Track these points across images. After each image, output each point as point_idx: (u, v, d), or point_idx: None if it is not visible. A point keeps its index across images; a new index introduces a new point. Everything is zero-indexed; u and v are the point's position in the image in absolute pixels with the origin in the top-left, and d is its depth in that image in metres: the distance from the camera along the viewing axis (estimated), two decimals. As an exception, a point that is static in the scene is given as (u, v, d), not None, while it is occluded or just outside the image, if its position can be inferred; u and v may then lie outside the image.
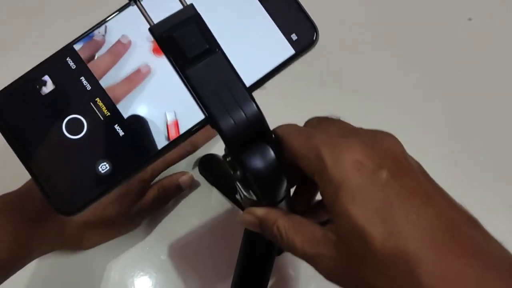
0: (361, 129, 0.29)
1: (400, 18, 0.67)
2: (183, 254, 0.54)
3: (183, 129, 0.29)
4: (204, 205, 0.56)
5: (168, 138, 0.29)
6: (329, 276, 0.27)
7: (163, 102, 0.29)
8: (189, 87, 0.28)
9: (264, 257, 0.38)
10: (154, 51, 0.29)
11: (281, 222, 0.29)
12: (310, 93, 0.61)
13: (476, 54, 0.64)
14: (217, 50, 0.28)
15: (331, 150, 0.26)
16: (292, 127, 0.30)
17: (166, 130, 0.29)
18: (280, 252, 0.40)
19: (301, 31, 0.30)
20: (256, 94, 0.29)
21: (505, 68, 0.63)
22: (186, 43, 0.28)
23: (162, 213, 0.55)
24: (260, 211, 0.31)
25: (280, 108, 0.31)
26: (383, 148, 0.26)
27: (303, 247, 0.27)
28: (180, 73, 0.28)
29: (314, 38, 0.30)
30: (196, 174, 0.56)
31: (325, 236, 0.27)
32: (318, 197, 0.34)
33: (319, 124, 0.30)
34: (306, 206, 0.35)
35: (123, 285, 0.52)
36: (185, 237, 0.54)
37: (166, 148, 0.29)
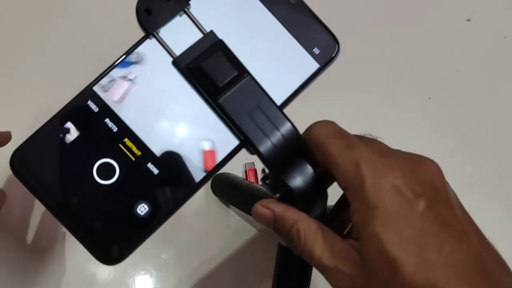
0: (399, 151, 0.28)
1: (399, 19, 0.67)
2: (184, 254, 0.54)
3: (219, 158, 0.28)
4: (204, 205, 0.56)
5: (205, 170, 0.28)
6: None
7: (194, 134, 0.28)
8: (222, 115, 0.27)
9: (301, 271, 0.38)
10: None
11: (302, 224, 0.27)
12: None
13: (474, 54, 0.65)
14: (245, 74, 0.27)
15: (372, 169, 0.25)
16: (330, 127, 0.28)
17: (201, 161, 0.28)
18: None
19: (322, 44, 0.29)
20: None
21: (504, 68, 0.65)
22: (215, 72, 0.27)
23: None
24: (278, 207, 0.28)
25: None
26: (423, 176, 0.26)
27: (321, 257, 0.26)
28: (212, 102, 0.27)
29: (336, 49, 0.30)
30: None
31: (347, 252, 0.26)
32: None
33: None
34: None
35: (124, 285, 0.53)
36: (186, 236, 0.54)
37: (204, 180, 0.28)
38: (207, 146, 0.28)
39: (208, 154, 0.28)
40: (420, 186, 0.25)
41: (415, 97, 0.63)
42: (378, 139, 0.30)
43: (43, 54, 0.63)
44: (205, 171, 0.28)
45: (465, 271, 0.24)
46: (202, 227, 0.55)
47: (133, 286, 0.53)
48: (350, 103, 0.62)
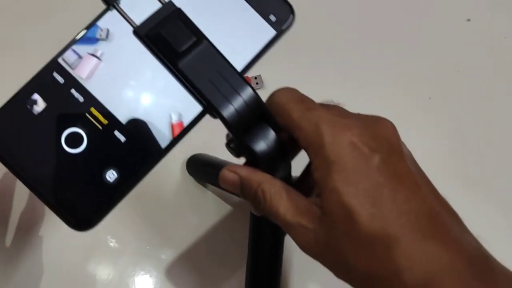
0: (359, 114, 0.30)
1: (399, 19, 0.68)
2: (183, 253, 0.54)
3: (184, 124, 0.29)
4: (202, 204, 0.56)
5: (170, 136, 0.29)
6: (305, 248, 0.28)
7: (159, 101, 0.29)
8: (183, 80, 0.28)
9: (274, 238, 0.39)
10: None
11: (267, 185, 0.29)
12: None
13: (474, 54, 0.66)
14: (204, 40, 0.29)
15: (331, 128, 0.27)
16: (291, 93, 0.29)
17: (167, 128, 0.29)
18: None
19: (278, 12, 0.31)
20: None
21: (504, 68, 0.66)
22: (174, 38, 0.28)
23: (162, 213, 0.56)
24: (244, 171, 0.30)
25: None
26: (379, 133, 0.28)
27: (286, 214, 0.28)
28: (172, 68, 0.28)
29: (291, 16, 0.31)
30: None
31: (309, 208, 0.28)
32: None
33: None
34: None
35: (124, 285, 0.53)
36: (185, 236, 0.55)
37: (170, 146, 0.29)
38: (172, 112, 0.29)
39: (174, 121, 0.29)
40: (376, 142, 0.27)
41: (415, 97, 0.64)
42: (340, 105, 0.31)
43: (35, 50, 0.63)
44: (171, 137, 0.29)
45: (417, 219, 0.25)
46: (202, 225, 0.56)
47: (133, 286, 0.53)
48: (350, 102, 0.62)
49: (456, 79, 0.65)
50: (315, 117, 0.28)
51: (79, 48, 0.29)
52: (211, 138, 0.48)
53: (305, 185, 0.32)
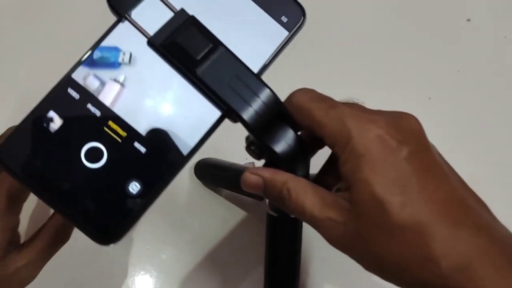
0: (381, 110, 0.30)
1: (398, 18, 0.68)
2: (184, 254, 0.54)
3: (203, 130, 0.29)
4: (202, 205, 0.56)
5: (192, 143, 0.29)
6: (334, 242, 0.28)
7: (177, 109, 0.29)
8: (202, 87, 0.28)
9: (292, 239, 0.38)
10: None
11: (292, 183, 0.29)
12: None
13: (474, 54, 0.66)
14: (220, 46, 0.29)
15: (356, 122, 0.27)
16: (311, 92, 0.30)
17: (188, 135, 0.29)
18: None
19: (289, 12, 0.31)
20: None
21: (504, 68, 0.66)
22: (191, 45, 0.28)
23: (162, 214, 0.55)
24: (267, 172, 0.30)
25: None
26: (405, 127, 0.28)
27: (312, 210, 0.28)
28: (191, 75, 0.28)
29: (302, 16, 0.31)
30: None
31: (336, 202, 0.28)
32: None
33: None
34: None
35: (124, 285, 0.53)
36: (185, 236, 0.55)
37: (191, 153, 0.29)
38: (189, 120, 0.29)
39: (192, 128, 0.29)
40: (402, 135, 0.27)
41: (415, 97, 0.64)
42: (360, 103, 0.31)
43: (36, 50, 0.63)
44: (192, 144, 0.29)
45: (447, 207, 0.25)
46: (202, 226, 0.56)
47: (133, 286, 0.53)
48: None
49: (456, 79, 0.66)
50: (339, 114, 0.28)
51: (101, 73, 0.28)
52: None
53: (323, 183, 0.32)
